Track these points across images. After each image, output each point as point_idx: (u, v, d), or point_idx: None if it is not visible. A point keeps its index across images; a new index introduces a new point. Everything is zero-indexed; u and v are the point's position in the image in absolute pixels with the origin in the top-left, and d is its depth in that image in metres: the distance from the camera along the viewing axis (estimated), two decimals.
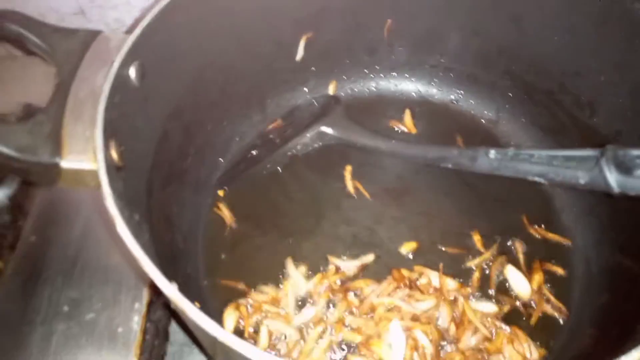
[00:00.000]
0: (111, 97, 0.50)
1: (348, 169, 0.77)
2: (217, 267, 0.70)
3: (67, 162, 0.47)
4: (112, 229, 0.44)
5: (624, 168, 0.47)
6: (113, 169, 0.48)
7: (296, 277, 0.69)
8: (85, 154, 0.47)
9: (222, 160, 0.78)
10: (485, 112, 0.84)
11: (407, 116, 0.84)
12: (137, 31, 0.54)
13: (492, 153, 0.58)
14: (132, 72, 0.54)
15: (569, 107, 0.72)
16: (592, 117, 0.70)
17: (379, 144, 0.70)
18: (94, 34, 0.54)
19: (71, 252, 0.79)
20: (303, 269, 0.70)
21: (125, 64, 0.53)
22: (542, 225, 0.73)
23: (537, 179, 0.54)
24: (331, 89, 0.86)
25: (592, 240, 0.71)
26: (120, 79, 0.52)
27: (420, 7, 0.75)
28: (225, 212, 0.73)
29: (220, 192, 0.76)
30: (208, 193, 0.75)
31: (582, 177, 0.51)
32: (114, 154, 0.49)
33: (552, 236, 0.72)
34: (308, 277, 0.69)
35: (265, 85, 0.80)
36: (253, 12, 0.68)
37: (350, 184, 0.76)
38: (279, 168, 0.77)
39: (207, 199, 0.75)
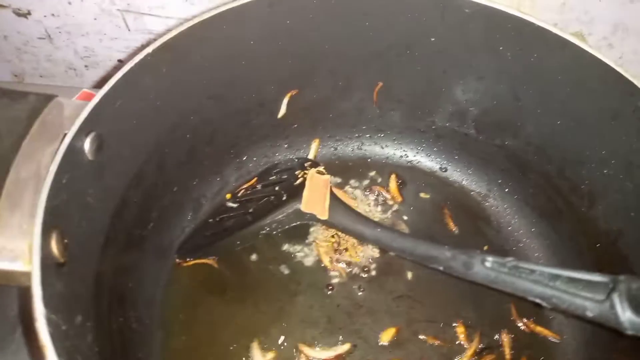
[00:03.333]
0: (58, 179, 0.43)
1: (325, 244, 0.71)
2: (173, 350, 0.63)
3: None
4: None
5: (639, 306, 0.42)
6: (53, 268, 0.41)
7: None
8: (20, 252, 0.40)
9: (189, 222, 0.71)
10: (475, 184, 0.79)
11: (392, 182, 0.79)
12: (96, 99, 0.47)
13: (490, 261, 0.52)
14: (87, 144, 0.47)
15: (566, 194, 0.68)
16: (591, 209, 0.65)
17: (364, 232, 0.63)
18: (46, 99, 0.46)
19: (12, 313, 0.70)
20: (270, 355, 0.63)
21: (79, 137, 0.45)
22: (532, 318, 0.67)
23: (538, 300, 0.49)
24: (313, 148, 0.79)
25: (583, 338, 0.66)
26: (72, 155, 0.45)
27: (414, 72, 0.70)
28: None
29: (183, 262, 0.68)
30: (169, 261, 0.68)
31: (589, 310, 0.45)
32: (55, 249, 0.41)
33: (540, 330, 0.68)
34: None
35: (242, 141, 0.74)
36: (235, 73, 0.62)
37: (327, 261, 0.70)
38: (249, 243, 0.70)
39: (167, 267, 0.67)
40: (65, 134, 0.44)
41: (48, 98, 0.46)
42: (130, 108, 0.52)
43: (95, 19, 0.91)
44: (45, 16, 0.92)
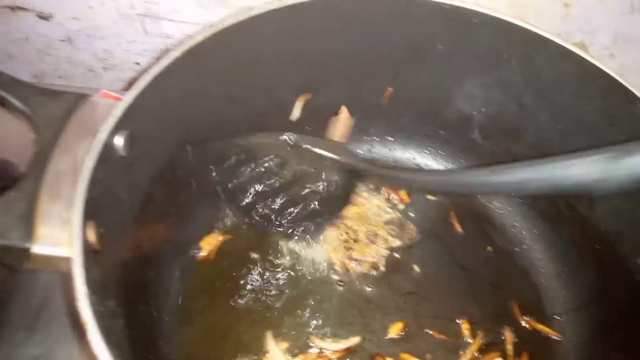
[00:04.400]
0: (95, 172, 0.46)
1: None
2: (190, 339, 0.66)
3: (39, 247, 0.43)
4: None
5: None
6: (90, 255, 0.44)
7: (276, 354, 0.65)
8: (60, 239, 0.43)
9: (203, 218, 0.74)
10: None
11: None
12: (128, 98, 0.50)
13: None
14: (120, 141, 0.50)
15: (568, 197, 0.70)
16: (592, 212, 0.68)
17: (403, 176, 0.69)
18: (79, 98, 0.49)
19: (35, 303, 0.73)
20: (283, 345, 0.66)
21: (112, 134, 0.49)
22: (533, 317, 0.70)
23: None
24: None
25: (584, 336, 0.69)
26: (106, 151, 0.48)
27: (424, 79, 0.73)
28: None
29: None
30: (186, 255, 0.70)
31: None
32: (92, 238, 0.44)
33: (542, 328, 0.70)
34: (288, 355, 0.65)
35: None
36: (252, 76, 0.65)
37: (337, 258, 0.73)
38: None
39: (185, 261, 0.70)
40: (98, 131, 0.47)
41: (82, 97, 0.50)
42: (157, 108, 0.55)
43: (114, 22, 0.94)
44: (66, 19, 0.95)
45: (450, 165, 0.83)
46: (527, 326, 0.70)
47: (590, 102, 0.64)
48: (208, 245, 0.72)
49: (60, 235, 0.43)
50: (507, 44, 0.65)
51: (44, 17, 0.94)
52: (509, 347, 0.68)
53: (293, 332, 0.67)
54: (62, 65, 1.04)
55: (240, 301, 0.69)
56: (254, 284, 0.70)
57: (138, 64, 1.02)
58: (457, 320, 0.69)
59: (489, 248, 0.76)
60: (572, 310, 0.71)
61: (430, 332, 0.69)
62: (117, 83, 1.06)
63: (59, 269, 0.44)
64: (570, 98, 0.65)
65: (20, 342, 0.68)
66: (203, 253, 0.72)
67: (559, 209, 0.72)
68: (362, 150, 0.85)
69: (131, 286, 0.56)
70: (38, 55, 1.02)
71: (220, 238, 0.73)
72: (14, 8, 0.92)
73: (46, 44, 1.00)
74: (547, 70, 0.65)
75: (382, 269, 0.73)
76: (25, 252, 0.42)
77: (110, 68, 1.04)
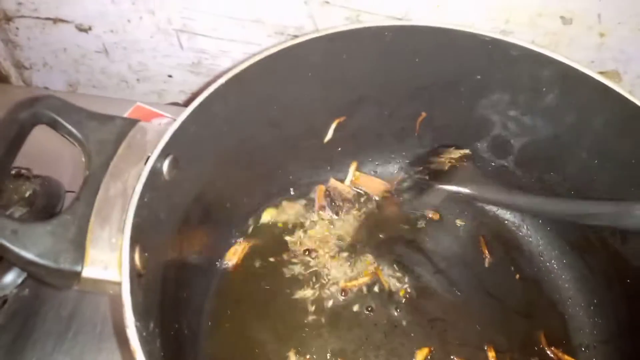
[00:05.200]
0: (142, 197, 0.47)
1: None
2: (218, 357, 0.67)
3: (89, 271, 0.44)
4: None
5: None
6: (135, 279, 0.45)
7: None
8: (109, 263, 0.44)
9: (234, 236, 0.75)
10: (510, 214, 0.82)
11: None
12: (176, 124, 0.52)
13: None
14: (165, 166, 0.51)
15: (599, 230, 0.70)
16: (623, 246, 0.68)
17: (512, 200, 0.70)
18: (130, 123, 0.51)
19: (66, 313, 0.74)
20: None
21: (160, 159, 0.50)
22: (560, 348, 0.70)
23: None
24: (351, 170, 0.83)
25: None
26: (153, 175, 0.49)
27: (458, 106, 0.74)
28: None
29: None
30: (217, 274, 0.72)
31: None
32: (138, 262, 0.46)
33: (568, 359, 0.70)
34: None
35: (289, 162, 0.78)
36: (292, 101, 0.66)
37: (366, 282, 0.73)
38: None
39: (215, 279, 0.72)
40: (148, 156, 0.49)
41: (132, 122, 0.51)
42: (202, 133, 0.56)
43: (151, 37, 0.96)
44: (104, 32, 0.97)
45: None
46: (554, 357, 0.70)
47: (624, 136, 0.64)
48: (233, 256, 0.74)
49: (109, 260, 0.44)
50: (544, 77, 0.65)
51: (83, 29, 0.97)
52: None
53: (319, 354, 0.68)
54: (96, 75, 1.06)
55: (266, 320, 0.70)
56: (282, 304, 0.71)
57: (171, 76, 1.04)
58: (484, 348, 0.69)
59: (517, 276, 0.76)
60: (600, 342, 0.71)
61: None
62: (149, 95, 1.08)
63: (106, 291, 0.45)
64: (607, 132, 0.65)
65: (49, 350, 0.70)
66: (229, 265, 0.73)
67: (589, 241, 0.72)
68: (392, 171, 0.85)
69: (167, 306, 0.57)
70: (74, 65, 1.04)
71: (245, 248, 0.75)
72: (55, 20, 0.94)
73: (82, 55, 1.02)
74: (583, 103, 0.66)
75: (410, 294, 0.73)
76: (76, 275, 0.44)
77: (143, 80, 1.06)
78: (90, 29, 0.97)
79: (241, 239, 0.75)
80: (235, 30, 0.92)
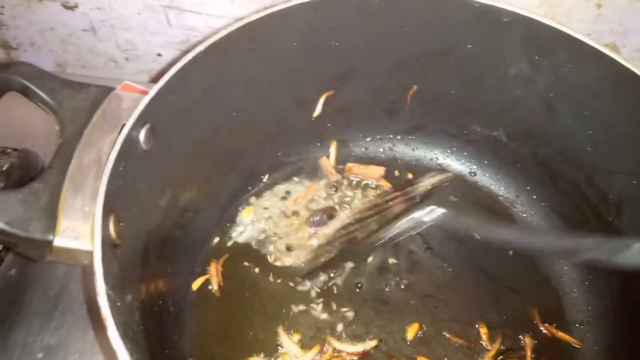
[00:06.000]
0: (116, 166, 0.46)
1: None
2: (205, 333, 0.66)
3: (61, 240, 0.43)
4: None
5: None
6: (110, 249, 0.44)
7: (292, 349, 0.64)
8: (82, 232, 0.43)
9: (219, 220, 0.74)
10: (504, 189, 0.80)
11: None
12: (152, 92, 0.50)
13: (637, 247, 0.52)
14: (142, 135, 0.50)
15: (595, 203, 0.69)
16: (618, 218, 0.66)
17: (497, 232, 0.61)
18: (105, 91, 0.49)
19: (52, 293, 0.73)
20: (297, 337, 0.65)
21: (136, 127, 0.48)
22: (554, 324, 0.69)
23: None
24: (332, 150, 0.81)
25: (605, 344, 0.67)
26: (129, 144, 0.47)
27: (449, 78, 0.72)
28: (214, 275, 0.68)
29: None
30: (202, 253, 0.70)
31: None
32: (113, 232, 0.44)
33: (562, 336, 0.69)
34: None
35: (277, 138, 0.76)
36: (276, 72, 0.64)
37: None
38: None
39: (200, 258, 0.70)
40: (123, 124, 0.47)
41: (107, 90, 0.49)
42: (181, 103, 0.54)
43: (138, 13, 0.94)
44: (91, 9, 0.95)
45: (473, 167, 0.81)
46: (547, 333, 0.69)
47: (621, 107, 0.62)
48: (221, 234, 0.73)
49: (81, 229, 0.43)
50: (537, 45, 0.63)
51: (69, 7, 0.95)
52: (528, 354, 0.67)
53: (308, 330, 0.66)
54: (84, 54, 1.04)
55: (255, 297, 0.69)
56: (270, 283, 0.70)
57: (160, 55, 1.02)
58: (476, 325, 0.68)
59: (510, 252, 0.74)
60: (593, 318, 0.69)
61: (448, 336, 0.68)
62: (139, 74, 1.06)
63: (80, 262, 0.44)
64: (601, 102, 0.63)
65: (36, 329, 0.69)
66: (215, 242, 0.72)
67: (584, 214, 0.71)
68: (383, 148, 0.83)
69: (148, 281, 0.56)
70: (61, 45, 1.02)
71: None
72: None
73: (69, 34, 1.00)
74: (578, 72, 0.64)
75: (402, 269, 0.72)
76: (48, 244, 0.42)
77: (133, 59, 1.04)
78: (76, 6, 0.95)
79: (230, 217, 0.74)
80: (224, 5, 0.89)
